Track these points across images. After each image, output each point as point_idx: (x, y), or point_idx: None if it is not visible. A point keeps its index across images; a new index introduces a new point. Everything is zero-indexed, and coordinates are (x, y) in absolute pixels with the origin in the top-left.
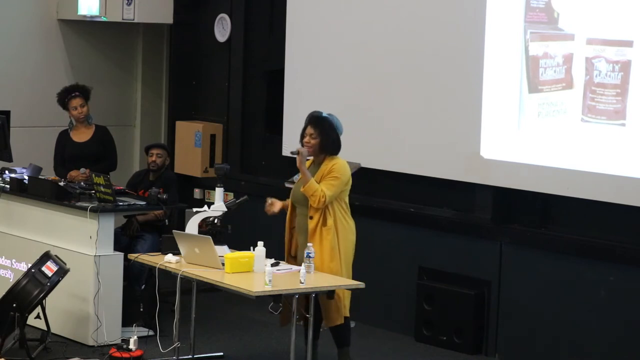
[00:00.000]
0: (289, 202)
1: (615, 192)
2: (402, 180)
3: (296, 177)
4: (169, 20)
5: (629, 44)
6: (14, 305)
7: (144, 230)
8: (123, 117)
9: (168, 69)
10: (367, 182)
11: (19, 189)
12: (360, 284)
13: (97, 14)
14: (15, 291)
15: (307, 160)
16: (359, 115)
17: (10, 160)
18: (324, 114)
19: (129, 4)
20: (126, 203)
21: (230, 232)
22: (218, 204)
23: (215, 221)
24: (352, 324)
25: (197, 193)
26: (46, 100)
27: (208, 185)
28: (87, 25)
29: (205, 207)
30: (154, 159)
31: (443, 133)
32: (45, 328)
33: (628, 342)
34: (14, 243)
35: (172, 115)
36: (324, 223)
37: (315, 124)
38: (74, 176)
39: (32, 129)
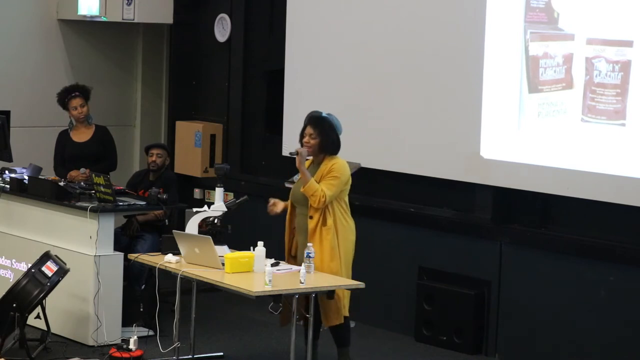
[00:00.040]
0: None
1: (615, 192)
2: (402, 180)
3: (296, 177)
4: (169, 20)
5: (629, 44)
6: (14, 305)
7: (144, 230)
8: (123, 117)
9: (168, 69)
10: (367, 182)
11: (19, 189)
12: (360, 284)
13: (97, 14)
14: (15, 291)
15: (307, 160)
16: (359, 115)
17: (10, 160)
18: (324, 114)
19: (129, 4)
20: (126, 203)
21: (230, 232)
22: (218, 204)
23: (215, 221)
24: (352, 324)
25: (197, 193)
26: (46, 100)
27: (208, 185)
28: (87, 25)
29: (205, 207)
30: (154, 159)
31: (443, 133)
32: (45, 328)
33: (628, 342)
34: (14, 243)
35: (172, 115)
36: (324, 223)
37: (315, 124)
38: (74, 176)
39: (32, 129)
